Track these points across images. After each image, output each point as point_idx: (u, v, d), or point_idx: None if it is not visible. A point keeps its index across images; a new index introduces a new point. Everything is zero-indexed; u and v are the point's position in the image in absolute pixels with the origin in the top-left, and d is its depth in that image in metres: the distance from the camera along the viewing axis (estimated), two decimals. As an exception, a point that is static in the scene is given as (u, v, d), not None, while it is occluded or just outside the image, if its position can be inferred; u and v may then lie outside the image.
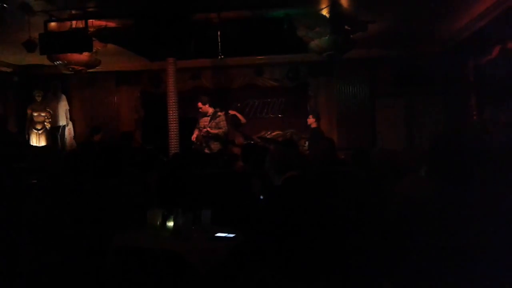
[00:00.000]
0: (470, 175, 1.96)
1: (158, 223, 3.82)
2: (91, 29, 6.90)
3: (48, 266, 3.46)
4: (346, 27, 7.04)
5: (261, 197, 4.18)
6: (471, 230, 1.81)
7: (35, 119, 10.47)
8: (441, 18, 7.79)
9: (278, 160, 3.30)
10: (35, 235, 3.59)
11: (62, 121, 10.89)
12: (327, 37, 7.00)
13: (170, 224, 3.73)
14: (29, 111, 10.50)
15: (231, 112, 9.13)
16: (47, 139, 10.55)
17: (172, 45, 7.17)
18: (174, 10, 6.69)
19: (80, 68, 7.94)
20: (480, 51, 7.69)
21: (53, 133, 10.72)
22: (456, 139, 2.13)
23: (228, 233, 3.72)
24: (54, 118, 10.73)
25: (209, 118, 8.26)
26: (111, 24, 7.29)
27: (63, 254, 3.52)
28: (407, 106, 10.29)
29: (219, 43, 6.96)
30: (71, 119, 11.16)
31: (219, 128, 8.16)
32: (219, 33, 6.89)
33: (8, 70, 10.71)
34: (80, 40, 6.71)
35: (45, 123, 10.55)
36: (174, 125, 9.13)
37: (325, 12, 6.67)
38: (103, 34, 7.21)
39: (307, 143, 9.00)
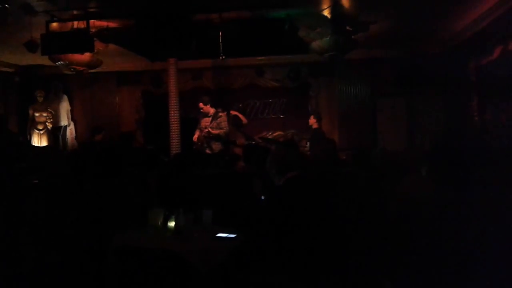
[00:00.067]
0: (471, 175, 1.96)
1: (159, 223, 3.82)
2: (93, 30, 6.90)
3: (48, 266, 3.46)
4: (347, 27, 7.04)
5: (262, 197, 4.19)
6: (471, 230, 1.81)
7: (37, 119, 10.48)
8: (442, 18, 7.79)
9: (279, 160, 3.30)
10: (35, 234, 3.59)
11: (64, 121, 10.89)
12: (328, 38, 7.00)
13: (171, 224, 3.73)
14: (30, 112, 10.51)
15: (233, 112, 9.14)
16: (49, 139, 10.56)
17: (173, 46, 7.17)
18: (175, 11, 6.69)
19: (81, 68, 7.94)
20: (481, 52, 7.69)
21: (55, 133, 10.73)
22: (456, 140, 2.13)
23: (229, 234, 3.72)
24: (55, 118, 10.73)
25: (210, 119, 8.27)
26: (113, 24, 7.30)
27: (64, 254, 3.52)
28: (408, 106, 10.28)
29: (220, 44, 6.96)
30: (72, 119, 11.17)
31: (220, 128, 8.17)
32: (220, 33, 6.90)
33: (10, 70, 10.72)
34: (81, 41, 6.72)
35: (47, 123, 10.56)
36: (175, 125, 9.14)
37: (326, 12, 6.67)
38: (105, 35, 7.22)
39: (308, 143, 9.00)
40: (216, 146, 8.17)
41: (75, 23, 6.87)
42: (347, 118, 10.33)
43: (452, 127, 9.41)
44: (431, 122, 9.95)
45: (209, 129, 8.18)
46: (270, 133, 10.68)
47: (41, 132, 10.50)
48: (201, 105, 8.33)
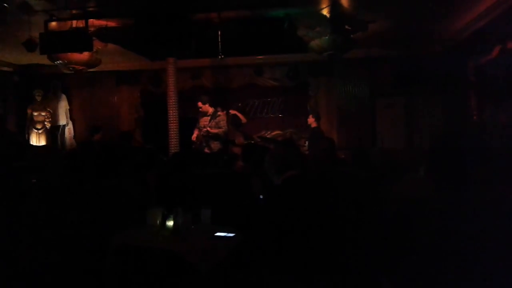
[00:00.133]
0: (469, 174, 1.96)
1: (158, 222, 3.82)
2: (92, 29, 6.90)
3: (48, 266, 3.46)
4: (346, 26, 7.04)
5: (261, 196, 4.18)
6: (470, 229, 1.81)
7: (35, 118, 10.48)
8: (441, 18, 7.79)
9: (278, 159, 3.30)
10: (34, 234, 3.59)
11: (62, 121, 10.90)
12: (327, 37, 7.00)
13: (170, 223, 3.73)
14: (29, 111, 10.52)
15: (232, 111, 9.13)
16: (47, 139, 10.56)
17: (172, 45, 7.16)
18: (174, 10, 6.69)
19: (80, 67, 7.94)
20: (480, 51, 7.69)
21: (53, 132, 10.73)
22: (455, 139, 2.13)
23: (228, 233, 3.72)
24: (54, 117, 10.74)
25: (209, 118, 8.27)
26: (112, 23, 7.30)
27: (63, 254, 3.52)
28: (407, 106, 10.29)
29: (219, 43, 6.96)
30: (71, 118, 11.17)
31: (219, 127, 8.17)
32: (219, 32, 6.90)
33: (8, 69, 10.72)
34: (80, 40, 6.72)
35: (45, 123, 10.57)
36: (174, 124, 9.13)
37: (325, 11, 6.66)
38: (104, 34, 7.21)
39: (307, 142, 9.00)
40: (215, 146, 8.17)
41: (74, 22, 6.87)
42: (346, 117, 10.33)
43: (451, 127, 9.41)
44: (430, 121, 9.95)
45: (208, 129, 8.18)
46: (269, 132, 10.68)
47: (40, 131, 10.50)
48: (200, 104, 8.32)
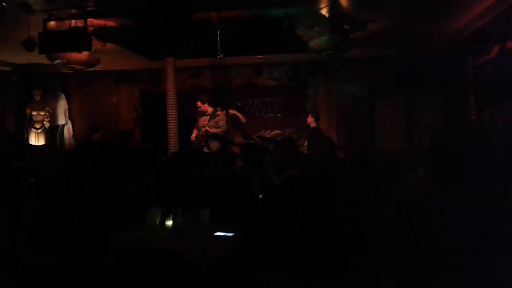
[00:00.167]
0: (469, 174, 1.96)
1: (157, 222, 3.82)
2: (91, 28, 6.89)
3: (47, 266, 3.45)
4: (345, 26, 7.04)
5: (260, 196, 4.18)
6: (470, 229, 1.81)
7: (34, 118, 10.48)
8: (440, 18, 7.79)
9: (277, 159, 3.30)
10: (34, 234, 3.58)
11: (61, 120, 10.89)
12: (326, 37, 7.00)
13: (169, 223, 3.73)
14: (28, 110, 10.51)
15: (231, 111, 9.13)
16: (46, 138, 10.56)
17: (171, 44, 7.17)
18: (173, 10, 6.69)
19: (79, 67, 7.93)
20: (479, 51, 7.69)
21: (52, 132, 10.73)
22: (455, 139, 2.13)
23: (227, 232, 3.72)
24: (53, 117, 10.74)
25: (208, 117, 8.27)
26: (111, 23, 7.29)
27: (63, 254, 3.52)
28: (406, 106, 10.29)
29: (219, 42, 6.95)
30: (70, 118, 11.16)
31: (218, 127, 8.17)
32: (218, 32, 6.89)
33: (7, 69, 10.70)
34: (79, 39, 6.71)
35: (44, 122, 10.56)
36: (173, 124, 9.12)
37: (324, 11, 6.66)
38: (103, 33, 7.21)
39: (306, 142, 9.00)
40: (214, 145, 8.17)
41: (73, 21, 6.86)
42: (345, 117, 10.33)
43: (451, 127, 9.41)
44: (429, 121, 9.95)
45: (207, 128, 8.17)
46: (268, 132, 10.68)
47: (39, 131, 10.49)
48: (199, 103, 8.32)
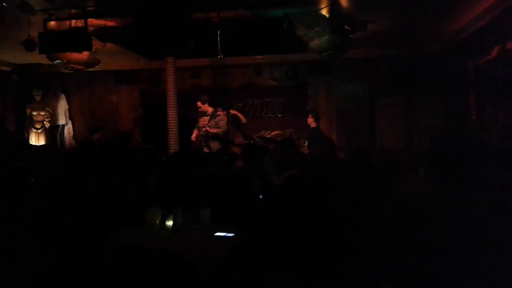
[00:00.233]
0: (469, 174, 1.96)
1: (157, 222, 3.82)
2: (91, 28, 6.90)
3: (47, 266, 3.45)
4: (345, 26, 7.04)
5: (260, 196, 4.18)
6: (471, 229, 1.81)
7: (35, 118, 10.48)
8: (440, 18, 7.78)
9: (277, 159, 3.30)
10: (34, 234, 3.58)
11: (61, 120, 10.89)
12: (326, 37, 7.00)
13: (169, 223, 3.73)
14: (28, 110, 10.51)
15: (232, 111, 9.13)
16: (47, 138, 10.56)
17: (171, 44, 7.17)
18: (173, 10, 6.69)
19: (79, 67, 7.93)
20: (479, 51, 7.69)
21: (53, 132, 10.73)
22: (455, 139, 2.13)
23: (227, 233, 3.72)
24: (53, 117, 10.74)
25: (208, 118, 8.27)
26: (111, 23, 7.29)
27: (62, 254, 3.51)
28: (406, 106, 10.28)
29: (219, 43, 6.95)
30: (70, 118, 11.16)
31: (219, 127, 8.17)
32: (218, 32, 6.89)
33: (7, 69, 10.71)
34: (79, 39, 6.71)
35: (45, 122, 10.56)
36: (174, 124, 9.12)
37: (324, 11, 6.66)
38: (103, 33, 7.21)
39: (306, 142, 9.00)
40: (214, 145, 8.17)
41: (73, 21, 6.87)
42: (346, 117, 10.33)
43: (451, 127, 9.41)
44: (429, 121, 9.95)
45: (207, 128, 8.17)
46: (268, 132, 10.68)
47: (39, 131, 10.49)
48: (199, 104, 8.32)
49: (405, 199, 2.78)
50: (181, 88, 9.80)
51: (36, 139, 10.43)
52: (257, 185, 4.33)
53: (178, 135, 9.09)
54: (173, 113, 9.08)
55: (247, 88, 10.87)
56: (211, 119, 8.23)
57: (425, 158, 2.40)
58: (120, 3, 6.67)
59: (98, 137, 9.02)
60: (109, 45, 7.83)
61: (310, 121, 9.02)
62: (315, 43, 7.18)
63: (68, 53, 7.42)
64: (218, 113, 8.30)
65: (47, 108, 10.64)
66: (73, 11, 6.72)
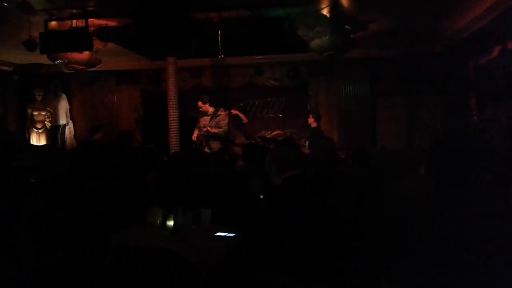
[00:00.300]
0: (470, 174, 1.96)
1: (158, 222, 3.82)
2: (92, 28, 6.90)
3: (48, 266, 3.45)
4: (346, 26, 7.04)
5: (261, 196, 4.18)
6: (471, 230, 1.80)
7: (35, 118, 10.49)
8: (441, 18, 7.79)
9: (278, 159, 3.29)
10: (34, 234, 3.59)
11: (62, 120, 10.91)
12: (327, 37, 6.99)
13: (170, 223, 3.72)
14: (29, 110, 10.52)
15: (233, 111, 9.13)
16: (47, 138, 10.57)
17: (172, 44, 7.18)
18: (174, 9, 6.69)
19: (80, 67, 7.94)
20: (480, 51, 7.69)
21: (53, 132, 10.74)
22: (456, 139, 2.12)
23: (228, 233, 3.72)
24: (54, 117, 10.75)
25: (209, 117, 8.27)
26: (112, 23, 7.30)
27: (63, 254, 3.52)
28: (407, 106, 10.28)
29: (219, 43, 6.96)
30: (71, 118, 11.18)
31: (219, 127, 8.17)
32: (219, 32, 6.89)
33: (9, 69, 10.71)
34: (80, 39, 6.72)
35: (45, 122, 10.57)
36: (174, 124, 9.13)
37: (325, 11, 6.66)
38: (104, 33, 7.21)
39: (307, 142, 9.00)
40: (215, 145, 8.17)
41: (74, 21, 6.87)
42: (346, 117, 10.32)
43: (451, 127, 9.40)
44: (430, 121, 9.94)
45: (208, 128, 8.17)
46: (269, 132, 10.68)
47: (40, 131, 10.50)
48: (200, 104, 8.32)
49: (405, 199, 2.78)
50: (182, 88, 9.81)
51: (37, 139, 10.44)
52: (258, 185, 4.33)
53: (179, 135, 9.10)
54: (174, 113, 9.09)
55: (247, 88, 10.87)
56: (212, 119, 8.23)
57: (426, 158, 2.40)
58: (121, 3, 6.68)
59: (99, 137, 9.02)
60: (110, 45, 7.83)
61: (311, 121, 9.02)
62: (316, 43, 7.18)
63: (69, 53, 7.42)
64: (219, 113, 8.30)
65: (48, 108, 10.65)
66: (74, 11, 6.73)
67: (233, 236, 3.67)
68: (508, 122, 6.82)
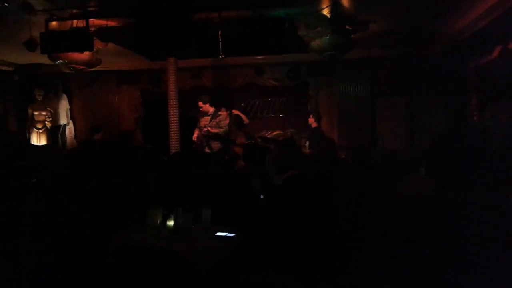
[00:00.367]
0: (470, 175, 1.96)
1: (158, 222, 3.81)
2: (92, 29, 6.90)
3: (48, 266, 3.45)
4: (347, 26, 7.04)
5: (261, 196, 4.18)
6: (471, 230, 1.80)
7: (36, 118, 10.49)
8: (442, 18, 7.79)
9: (278, 159, 3.30)
10: (34, 234, 3.59)
11: (63, 120, 10.90)
12: (327, 37, 6.99)
13: (170, 223, 3.72)
14: (29, 110, 10.52)
15: (235, 111, 9.14)
16: (48, 138, 10.56)
17: (172, 45, 7.16)
18: (175, 10, 6.69)
19: (81, 67, 7.94)
20: (481, 51, 7.68)
21: (54, 132, 10.74)
22: (456, 139, 2.12)
23: (228, 233, 3.72)
24: (54, 117, 10.74)
25: (209, 118, 8.27)
26: (112, 23, 7.29)
27: (63, 254, 3.52)
28: (407, 106, 10.28)
29: (220, 43, 6.96)
30: (71, 118, 11.18)
31: (220, 127, 8.17)
32: (219, 32, 6.89)
33: (9, 69, 10.72)
34: (81, 39, 6.72)
35: (46, 122, 10.57)
36: (175, 124, 9.14)
37: (326, 11, 6.66)
38: (104, 34, 7.21)
39: (307, 142, 9.01)
40: (215, 145, 8.17)
41: (75, 22, 6.87)
42: (347, 117, 10.32)
43: (452, 127, 9.40)
44: (430, 121, 9.94)
45: (208, 128, 8.18)
46: (270, 132, 10.68)
47: (40, 131, 10.50)
48: (200, 104, 8.32)
49: (406, 199, 2.78)
50: (182, 88, 9.82)
51: (38, 139, 10.44)
52: (258, 185, 4.33)
53: (179, 135, 9.11)
54: (174, 113, 9.09)
55: (248, 88, 10.88)
56: (212, 119, 8.23)
57: (426, 158, 2.40)
58: (121, 3, 6.68)
59: (99, 137, 9.03)
60: (110, 45, 7.83)
61: (311, 121, 9.03)
62: (316, 43, 7.18)
63: (69, 53, 7.43)
64: (220, 113, 8.30)
65: (49, 108, 10.64)
66: (74, 11, 6.73)
67: (233, 236, 3.67)
68: (509, 122, 6.82)
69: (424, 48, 9.56)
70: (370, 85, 10.36)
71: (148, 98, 11.22)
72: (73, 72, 8.29)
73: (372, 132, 10.29)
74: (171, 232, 3.69)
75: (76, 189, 3.88)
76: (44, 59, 8.16)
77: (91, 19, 6.80)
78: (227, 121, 8.38)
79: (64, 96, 11.02)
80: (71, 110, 11.16)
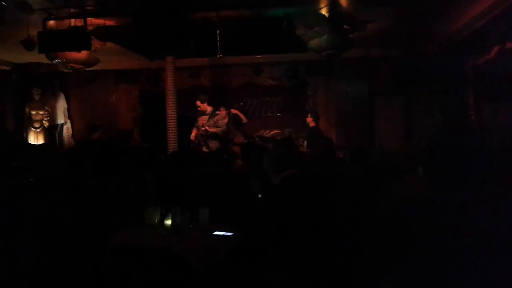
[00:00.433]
0: (468, 174, 1.96)
1: (156, 221, 3.81)
2: (90, 28, 6.89)
3: (46, 266, 3.45)
4: (345, 26, 7.04)
5: (259, 195, 4.18)
6: (470, 230, 1.80)
7: (33, 117, 10.46)
8: (440, 18, 7.79)
9: (276, 159, 3.30)
10: (33, 234, 3.58)
11: (60, 120, 10.87)
12: (326, 36, 7.00)
13: (168, 222, 3.72)
14: (27, 110, 10.49)
15: (233, 111, 9.13)
16: (45, 138, 10.54)
17: (171, 44, 7.16)
18: (173, 9, 6.68)
19: (78, 66, 7.92)
20: (479, 51, 7.70)
21: (51, 131, 10.71)
22: (454, 139, 2.12)
23: (226, 232, 3.71)
24: (52, 116, 10.71)
25: (207, 117, 8.27)
26: (110, 22, 7.29)
27: (62, 254, 3.51)
28: (405, 106, 10.29)
29: (218, 42, 6.95)
30: (69, 117, 11.14)
31: (218, 126, 8.17)
32: (218, 32, 6.89)
33: (7, 68, 10.70)
34: (78, 39, 6.71)
35: (43, 122, 10.54)
36: (173, 123, 9.13)
37: (324, 11, 6.67)
38: (102, 33, 7.20)
39: (305, 142, 9.01)
40: (213, 144, 8.17)
41: (72, 21, 6.87)
42: (345, 117, 10.33)
43: (450, 126, 9.42)
44: (429, 121, 9.95)
45: (206, 127, 8.17)
46: (268, 132, 10.68)
47: (38, 130, 10.47)
48: (198, 103, 8.32)
49: (404, 199, 2.78)
50: (180, 87, 9.80)
51: (35, 139, 10.41)
52: (256, 184, 4.33)
53: (177, 135, 9.10)
54: (172, 113, 9.09)
55: (246, 87, 10.87)
56: (210, 118, 8.23)
57: (424, 158, 2.39)
58: (119, 2, 6.67)
59: (97, 136, 9.02)
60: (108, 44, 7.82)
61: (309, 120, 9.02)
62: (314, 42, 7.18)
63: (67, 52, 7.41)
64: (218, 112, 8.30)
65: (46, 107, 10.61)
66: (72, 10, 6.72)
67: (231, 235, 3.67)
68: (507, 121, 6.84)
69: (422, 48, 9.57)
70: (368, 84, 10.37)
71: (146, 97, 11.20)
72: (71, 71, 8.28)
73: (370, 132, 10.30)
74: (169, 231, 3.69)
75: (74, 188, 3.88)
76: (42, 58, 8.14)
77: (89, 18, 6.79)
78: (225, 121, 8.38)
79: (62, 95, 10.99)
80: (68, 109, 11.13)
